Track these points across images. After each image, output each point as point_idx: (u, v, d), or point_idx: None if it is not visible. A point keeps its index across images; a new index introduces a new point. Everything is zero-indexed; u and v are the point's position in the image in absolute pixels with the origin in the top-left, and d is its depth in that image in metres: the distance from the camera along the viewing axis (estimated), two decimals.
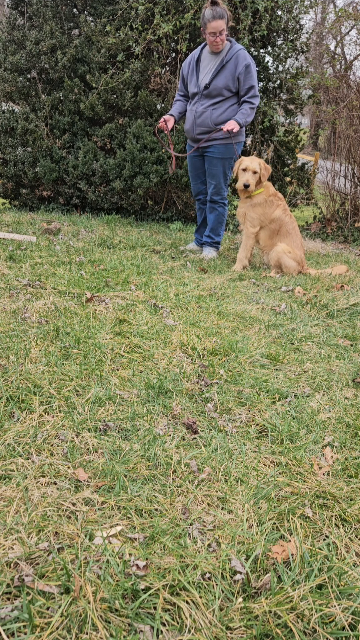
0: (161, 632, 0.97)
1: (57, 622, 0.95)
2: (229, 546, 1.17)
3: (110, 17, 5.56)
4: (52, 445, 1.49)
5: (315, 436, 1.63)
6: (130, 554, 1.12)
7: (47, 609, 0.98)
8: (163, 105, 5.80)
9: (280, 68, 5.84)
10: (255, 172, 3.68)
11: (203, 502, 1.32)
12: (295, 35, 5.74)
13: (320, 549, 1.19)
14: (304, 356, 2.25)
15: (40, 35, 5.64)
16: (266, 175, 3.75)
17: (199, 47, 3.95)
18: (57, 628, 0.95)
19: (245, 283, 3.42)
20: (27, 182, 6.00)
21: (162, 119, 4.04)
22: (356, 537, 1.25)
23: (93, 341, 2.12)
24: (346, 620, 1.02)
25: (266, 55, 5.81)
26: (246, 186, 3.68)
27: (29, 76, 5.88)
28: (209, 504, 1.32)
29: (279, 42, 5.79)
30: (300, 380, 2.03)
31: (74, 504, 1.26)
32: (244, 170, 3.69)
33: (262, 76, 5.86)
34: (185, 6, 5.23)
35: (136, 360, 2.05)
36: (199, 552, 1.14)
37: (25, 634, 0.94)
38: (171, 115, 4.09)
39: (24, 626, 0.95)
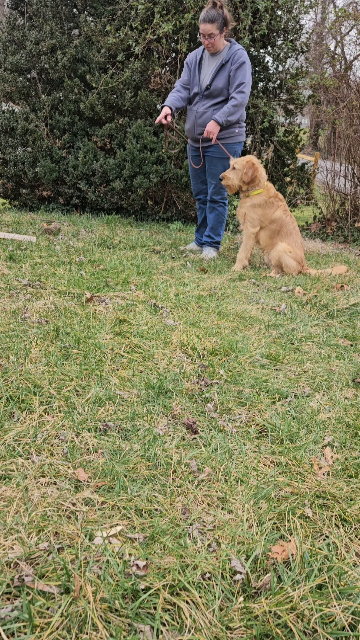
0: (161, 632, 0.97)
1: (57, 622, 0.95)
2: (229, 546, 1.17)
3: (110, 17, 5.56)
4: (52, 445, 1.49)
5: (315, 436, 1.63)
6: (130, 554, 1.12)
7: (47, 609, 0.98)
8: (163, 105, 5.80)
9: (280, 68, 5.84)
10: (234, 168, 3.74)
11: (203, 502, 1.32)
12: (295, 35, 5.74)
13: (320, 549, 1.19)
14: (304, 356, 2.25)
15: (40, 35, 5.63)
16: (249, 175, 3.68)
17: (201, 47, 3.95)
18: (57, 628, 0.95)
19: (245, 283, 3.42)
20: (27, 182, 6.00)
21: (161, 117, 3.84)
22: (356, 537, 1.25)
23: (93, 341, 2.12)
24: (346, 620, 1.02)
25: (266, 55, 5.81)
26: (220, 178, 3.82)
27: (29, 76, 5.88)
28: (209, 504, 1.32)
29: (279, 42, 5.79)
30: (300, 380, 2.03)
31: (74, 504, 1.26)
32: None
33: (262, 76, 5.86)
34: (185, 6, 5.23)
35: (136, 360, 2.05)
36: (199, 552, 1.14)
37: (25, 634, 0.94)
38: (166, 106, 3.88)
39: (24, 626, 0.95)
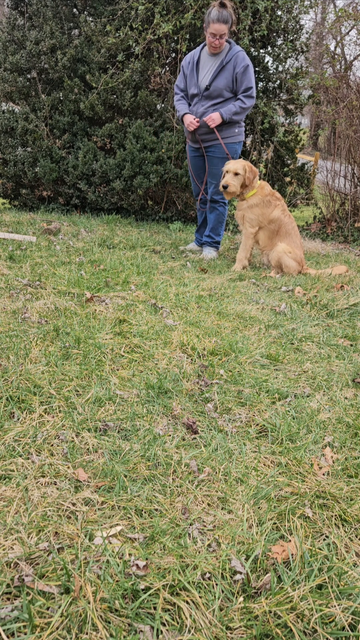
0: (161, 632, 0.97)
1: (57, 622, 0.95)
2: (229, 546, 1.17)
3: (110, 17, 5.56)
4: (52, 445, 1.49)
5: (315, 436, 1.63)
6: (130, 554, 1.12)
7: (47, 609, 0.98)
8: (163, 105, 5.80)
9: (280, 68, 5.84)
10: (237, 174, 3.68)
11: (203, 502, 1.32)
12: (295, 35, 5.74)
13: (320, 549, 1.19)
14: (304, 356, 2.25)
15: (40, 35, 5.63)
16: (251, 179, 3.69)
17: (199, 48, 3.94)
18: (57, 628, 0.95)
19: (245, 283, 3.42)
20: (27, 182, 6.00)
21: (191, 121, 3.89)
22: (356, 537, 1.25)
23: (93, 341, 2.12)
24: (346, 620, 1.02)
25: (266, 55, 5.81)
26: (224, 187, 3.69)
27: (29, 76, 5.88)
28: (209, 504, 1.32)
29: (279, 42, 5.79)
30: (300, 380, 2.03)
31: (74, 504, 1.26)
32: (227, 172, 3.71)
33: (262, 76, 5.86)
34: (185, 6, 5.23)
35: (136, 360, 2.05)
36: (199, 552, 1.14)
37: (25, 634, 0.94)
38: (187, 113, 3.97)
39: (24, 626, 0.95)
